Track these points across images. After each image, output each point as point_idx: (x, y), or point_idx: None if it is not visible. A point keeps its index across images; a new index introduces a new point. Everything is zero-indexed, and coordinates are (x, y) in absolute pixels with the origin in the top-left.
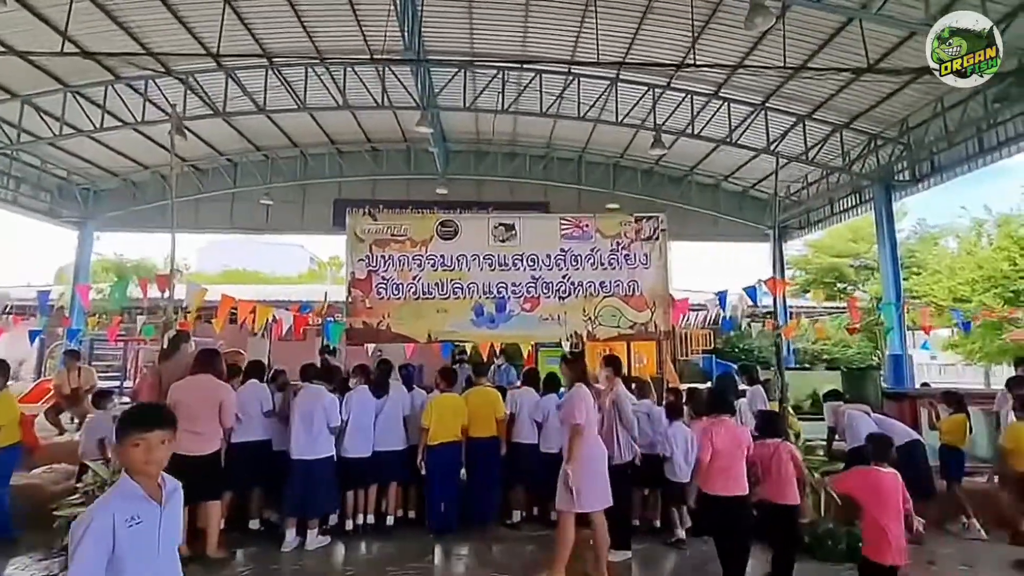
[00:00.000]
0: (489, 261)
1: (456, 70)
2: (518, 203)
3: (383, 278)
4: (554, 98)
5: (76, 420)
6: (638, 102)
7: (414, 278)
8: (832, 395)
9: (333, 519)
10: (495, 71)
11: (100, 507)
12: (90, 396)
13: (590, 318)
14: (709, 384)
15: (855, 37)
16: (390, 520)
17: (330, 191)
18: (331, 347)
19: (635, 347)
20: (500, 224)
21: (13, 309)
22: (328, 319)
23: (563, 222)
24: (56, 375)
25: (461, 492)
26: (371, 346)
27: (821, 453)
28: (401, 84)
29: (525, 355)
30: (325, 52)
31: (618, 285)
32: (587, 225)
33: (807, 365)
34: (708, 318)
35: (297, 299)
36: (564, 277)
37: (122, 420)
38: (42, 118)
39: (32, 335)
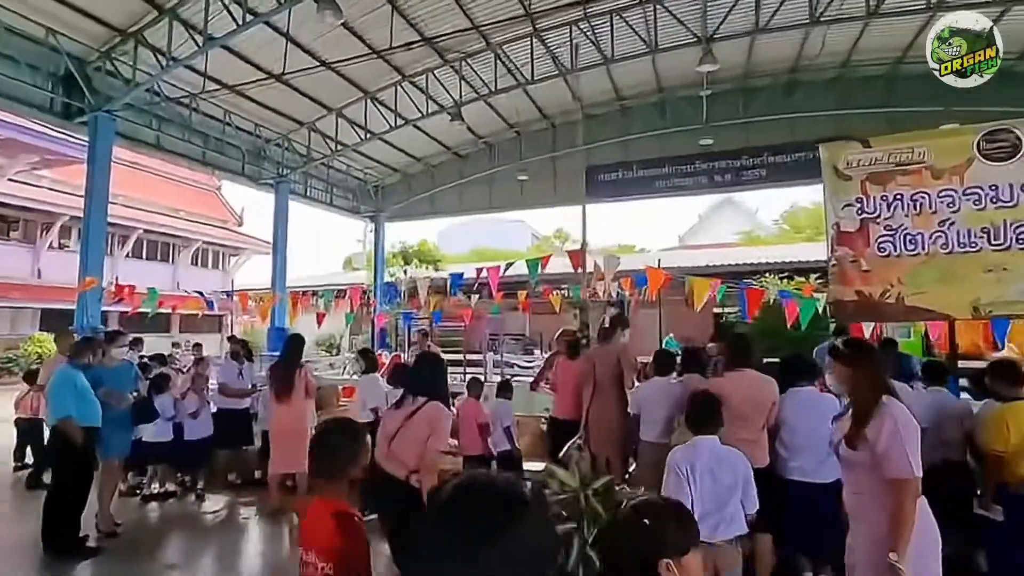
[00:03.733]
0: None
1: None
2: (801, 143)
3: (887, 228)
4: None
5: None
6: None
7: (942, 223)
8: None
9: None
10: None
11: None
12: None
13: None
14: None
15: None
16: None
17: (580, 160)
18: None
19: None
20: None
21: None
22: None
23: None
24: (410, 354)
25: None
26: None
27: None
28: (676, 20)
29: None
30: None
31: None
32: None
33: None
34: None
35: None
36: None
37: None
38: (351, 126)
39: (407, 317)
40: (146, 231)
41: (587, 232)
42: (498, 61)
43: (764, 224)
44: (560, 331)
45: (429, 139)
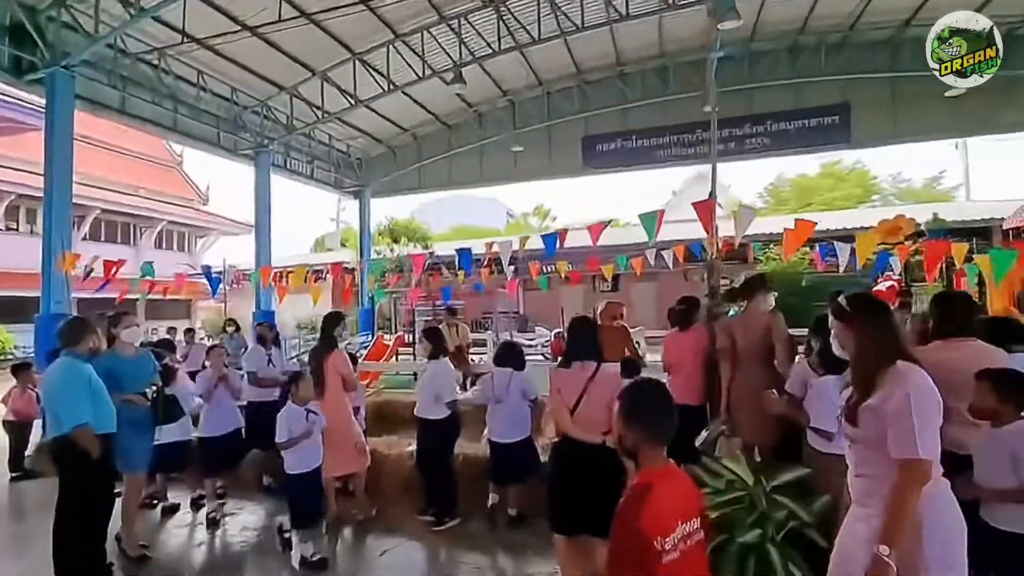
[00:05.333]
0: None
1: None
2: (806, 109)
3: None
4: None
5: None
6: None
7: None
8: None
9: None
10: None
11: None
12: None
13: None
14: None
15: None
16: None
17: (576, 129)
18: None
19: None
20: None
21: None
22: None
23: None
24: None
25: None
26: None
27: None
28: None
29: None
30: None
31: None
32: None
33: None
34: None
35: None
36: None
37: None
38: (337, 91)
39: (445, 293)
40: (104, 211)
41: (582, 205)
42: (500, 20)
43: (739, 198)
44: (605, 304)
45: (416, 107)
